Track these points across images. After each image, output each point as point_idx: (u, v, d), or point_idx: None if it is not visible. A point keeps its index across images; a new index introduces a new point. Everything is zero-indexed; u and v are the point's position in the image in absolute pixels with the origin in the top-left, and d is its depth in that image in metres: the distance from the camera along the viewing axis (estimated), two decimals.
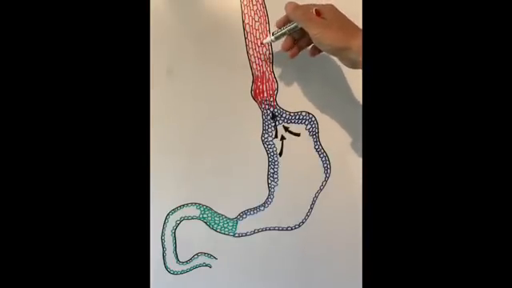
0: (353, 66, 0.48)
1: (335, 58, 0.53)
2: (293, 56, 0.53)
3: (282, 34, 0.52)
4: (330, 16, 0.47)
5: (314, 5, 0.48)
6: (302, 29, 0.49)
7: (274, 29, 0.53)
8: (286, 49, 0.52)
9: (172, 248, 0.61)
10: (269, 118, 0.60)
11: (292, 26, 0.50)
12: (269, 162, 0.61)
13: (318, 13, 0.47)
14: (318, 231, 0.64)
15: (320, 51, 0.53)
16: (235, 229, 0.62)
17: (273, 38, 0.53)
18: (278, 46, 0.57)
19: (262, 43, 0.57)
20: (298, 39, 0.52)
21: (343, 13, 0.49)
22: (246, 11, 0.56)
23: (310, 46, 0.53)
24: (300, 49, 0.53)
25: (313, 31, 0.47)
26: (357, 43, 0.45)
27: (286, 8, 0.49)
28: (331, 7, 0.48)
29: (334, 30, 0.46)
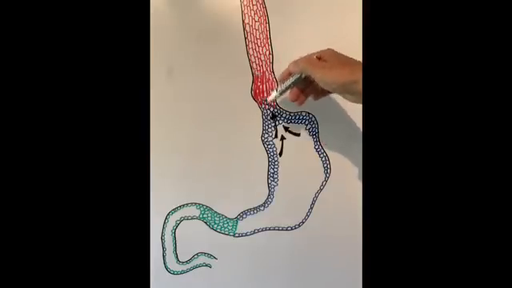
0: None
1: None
2: (301, 103, 0.55)
3: (287, 88, 0.53)
4: (331, 58, 0.49)
5: (314, 53, 0.50)
6: (305, 79, 0.51)
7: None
8: (294, 100, 0.54)
9: (172, 248, 0.61)
10: (269, 118, 0.60)
11: (295, 77, 0.52)
12: (269, 162, 0.61)
13: (319, 58, 0.50)
14: (318, 231, 0.64)
15: (327, 94, 0.55)
16: (235, 229, 0.62)
17: (277, 93, 0.54)
18: (279, 47, 0.57)
19: (266, 103, 0.58)
20: (303, 89, 0.54)
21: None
22: (246, 11, 0.56)
23: (316, 93, 0.55)
24: (306, 96, 0.55)
25: (317, 74, 0.49)
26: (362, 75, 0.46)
27: (289, 65, 0.52)
28: (330, 50, 0.50)
29: (338, 68, 0.48)
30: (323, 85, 0.49)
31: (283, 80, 0.54)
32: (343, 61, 0.49)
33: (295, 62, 0.51)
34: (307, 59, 0.51)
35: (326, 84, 0.49)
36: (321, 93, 0.55)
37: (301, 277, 0.66)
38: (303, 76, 0.51)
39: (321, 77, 0.48)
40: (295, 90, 0.54)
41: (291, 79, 0.53)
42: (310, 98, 0.57)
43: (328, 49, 0.51)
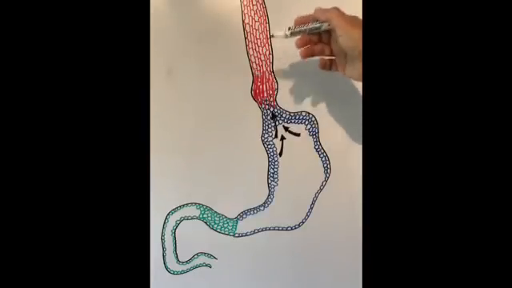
0: None
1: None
2: (305, 56, 0.51)
3: (301, 32, 0.50)
4: (358, 22, 0.46)
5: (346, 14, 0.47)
6: (321, 34, 0.49)
7: (277, 29, 0.52)
8: (301, 46, 0.51)
9: (172, 248, 0.61)
10: (269, 118, 0.60)
11: (316, 25, 0.49)
12: (269, 162, 0.61)
13: (349, 17, 0.47)
14: (318, 231, 0.64)
15: (330, 68, 0.53)
16: (235, 229, 0.62)
17: (288, 32, 0.50)
18: (278, 46, 0.57)
19: (272, 36, 0.55)
20: (312, 43, 0.51)
21: None
22: (246, 11, 0.56)
23: (323, 57, 0.52)
24: (313, 53, 0.52)
25: (342, 27, 0.45)
26: None
27: (315, 10, 0.49)
28: (358, 17, 0.47)
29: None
30: (346, 43, 0.46)
31: (300, 23, 0.50)
32: None
33: (323, 10, 0.48)
34: (337, 11, 0.47)
35: (349, 40, 0.45)
36: (324, 60, 0.52)
37: (301, 277, 0.66)
38: (324, 27, 0.48)
39: (346, 32, 0.45)
40: (305, 37, 0.50)
41: (310, 25, 0.49)
42: (310, 98, 0.57)
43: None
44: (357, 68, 0.48)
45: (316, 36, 0.51)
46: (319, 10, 0.49)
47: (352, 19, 0.47)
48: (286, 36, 0.51)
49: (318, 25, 0.49)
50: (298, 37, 0.51)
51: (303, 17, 0.50)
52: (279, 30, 0.52)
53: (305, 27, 0.49)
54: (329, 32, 0.50)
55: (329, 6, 0.48)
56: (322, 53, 0.51)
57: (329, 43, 0.51)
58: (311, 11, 0.51)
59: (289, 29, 0.51)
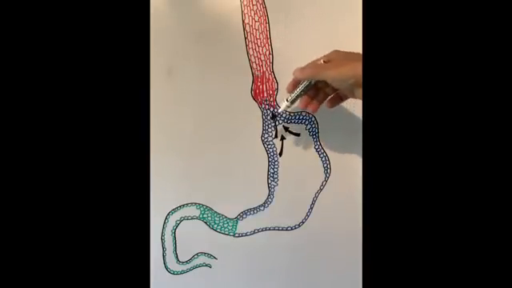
0: None
1: None
2: (314, 111, 0.53)
3: (297, 97, 0.52)
4: (338, 57, 0.48)
5: (319, 58, 0.49)
6: (314, 85, 0.51)
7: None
8: (305, 107, 0.53)
9: (172, 248, 0.61)
10: (269, 118, 0.60)
11: (305, 84, 0.51)
12: (269, 162, 0.61)
13: (326, 61, 0.48)
14: (318, 231, 0.64)
15: (339, 101, 0.54)
16: (235, 229, 0.62)
17: (288, 103, 0.53)
18: (280, 46, 0.57)
19: (276, 113, 0.58)
20: (313, 97, 0.53)
21: None
22: (246, 11, 0.56)
23: (328, 99, 0.54)
24: (319, 103, 0.53)
25: (330, 75, 0.47)
26: None
27: (294, 73, 0.50)
28: (335, 51, 0.49)
29: (349, 63, 0.45)
30: (338, 84, 0.47)
31: (292, 90, 0.53)
32: (352, 57, 0.47)
33: (301, 70, 0.50)
34: (314, 64, 0.49)
35: (341, 81, 0.46)
36: (334, 98, 0.53)
37: (301, 277, 0.66)
38: (313, 82, 0.50)
39: (334, 75, 0.46)
40: (306, 97, 0.53)
41: (300, 87, 0.51)
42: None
43: (333, 50, 0.49)
44: (361, 91, 0.48)
45: (312, 89, 0.52)
46: (297, 72, 0.50)
47: (329, 61, 0.47)
48: (288, 107, 0.53)
49: (306, 83, 0.51)
50: (298, 101, 0.53)
51: (290, 83, 0.53)
52: (280, 105, 0.54)
53: (298, 91, 0.52)
54: (322, 81, 0.50)
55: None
56: (326, 97, 0.53)
57: (327, 85, 0.51)
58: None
59: (287, 100, 0.53)
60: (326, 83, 0.50)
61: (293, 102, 0.53)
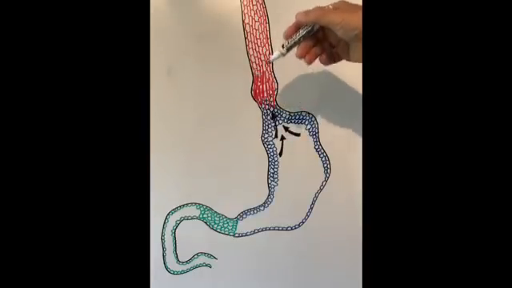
0: None
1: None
2: (310, 62, 0.50)
3: (295, 43, 0.49)
4: (347, 6, 0.46)
5: (326, 5, 0.46)
6: (315, 34, 0.48)
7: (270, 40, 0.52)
8: (302, 55, 0.50)
9: (172, 248, 0.61)
10: (269, 118, 0.60)
11: (306, 29, 0.48)
12: (269, 162, 0.61)
13: (334, 8, 0.45)
14: (318, 231, 0.64)
15: (333, 61, 0.51)
16: (235, 229, 0.62)
17: (284, 50, 0.50)
18: (279, 47, 0.57)
19: (269, 61, 0.56)
20: (312, 47, 0.50)
21: None
22: (246, 11, 0.56)
23: (325, 54, 0.51)
24: (316, 55, 0.50)
25: (336, 20, 0.44)
26: None
27: (297, 16, 0.48)
28: (344, 1, 0.46)
29: (358, 13, 0.43)
30: (342, 32, 0.45)
31: (290, 35, 0.49)
32: (360, 8, 0.44)
33: (305, 13, 0.47)
34: (320, 8, 0.46)
35: (345, 29, 0.44)
36: (328, 55, 0.51)
37: (301, 277, 0.66)
38: (316, 28, 0.47)
39: (339, 21, 0.44)
40: (304, 44, 0.49)
41: (301, 32, 0.48)
42: (310, 98, 0.56)
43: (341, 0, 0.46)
44: (359, 50, 0.46)
45: (311, 39, 0.49)
46: (301, 14, 0.47)
47: (337, 8, 0.46)
48: (283, 54, 0.50)
49: (309, 28, 0.48)
50: (295, 49, 0.50)
51: (290, 28, 0.49)
52: (274, 51, 0.52)
53: (297, 36, 0.48)
54: (321, 28, 0.48)
55: (323, 4, 0.47)
56: (323, 51, 0.50)
57: (325, 38, 0.50)
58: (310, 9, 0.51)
59: (283, 46, 0.50)
60: (325, 35, 0.49)
61: (289, 48, 0.50)
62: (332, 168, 0.63)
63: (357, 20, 0.43)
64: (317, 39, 0.50)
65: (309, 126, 0.61)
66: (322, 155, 0.62)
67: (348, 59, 0.50)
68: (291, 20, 0.53)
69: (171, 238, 0.61)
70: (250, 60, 0.57)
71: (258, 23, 0.56)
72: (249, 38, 0.56)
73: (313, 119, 0.61)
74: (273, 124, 0.60)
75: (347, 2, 0.47)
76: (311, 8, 0.47)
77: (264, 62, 0.58)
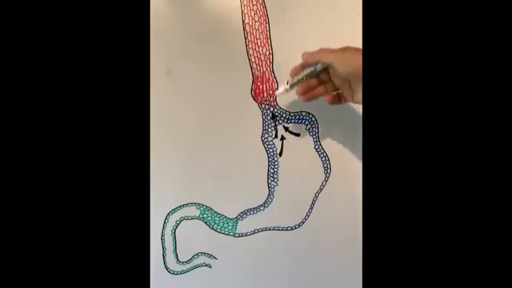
0: None
1: None
2: (305, 99, 0.52)
3: (298, 81, 0.51)
4: (348, 48, 0.48)
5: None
6: (318, 75, 0.50)
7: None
8: (302, 93, 0.52)
9: (172, 248, 0.61)
10: (269, 118, 0.60)
11: (310, 69, 0.50)
12: (269, 161, 0.61)
13: (339, 49, 0.48)
14: (318, 231, 0.64)
15: (338, 101, 0.53)
16: (235, 229, 0.62)
17: (287, 86, 0.52)
18: (280, 46, 0.57)
19: (274, 96, 0.58)
20: (314, 87, 0.52)
21: None
22: (246, 11, 0.56)
23: (329, 95, 0.53)
24: (315, 95, 0.52)
25: (334, 57, 0.47)
26: None
27: (303, 55, 0.50)
28: (348, 46, 0.48)
29: (358, 54, 0.45)
30: (346, 71, 0.47)
31: (295, 73, 0.52)
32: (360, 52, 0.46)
33: (311, 53, 0.50)
34: (324, 49, 0.49)
35: (343, 65, 0.46)
36: (333, 96, 0.53)
37: (301, 277, 0.66)
38: (319, 68, 0.49)
39: (337, 58, 0.47)
40: (307, 83, 0.51)
41: (306, 71, 0.50)
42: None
43: (346, 46, 0.49)
44: (361, 92, 0.48)
45: (315, 79, 0.51)
46: (306, 54, 0.50)
47: (341, 49, 0.48)
48: (287, 90, 0.52)
49: (312, 68, 0.50)
50: (296, 88, 0.52)
51: (296, 67, 0.52)
52: (280, 86, 0.53)
53: (302, 75, 0.51)
54: (325, 70, 0.50)
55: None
56: (325, 93, 0.52)
57: (329, 80, 0.52)
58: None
59: (287, 83, 0.52)
60: (329, 78, 0.51)
61: (292, 86, 0.52)
62: (332, 168, 0.63)
63: (354, 59, 0.46)
64: (320, 81, 0.52)
65: (309, 126, 0.61)
66: (321, 155, 0.62)
67: (353, 101, 0.51)
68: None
69: (171, 238, 0.61)
70: (249, 60, 0.57)
71: (257, 23, 0.56)
72: (249, 37, 0.56)
73: (313, 119, 0.61)
74: (273, 124, 0.60)
75: (351, 47, 0.48)
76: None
77: (264, 62, 0.58)
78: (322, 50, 0.49)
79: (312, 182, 0.63)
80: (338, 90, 0.53)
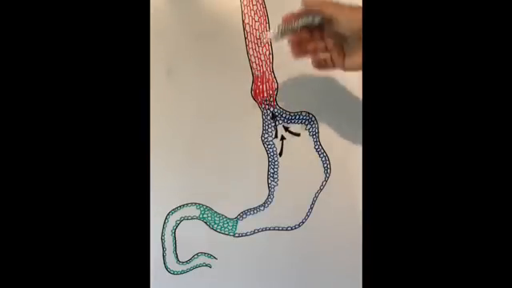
0: None
1: None
2: (297, 54, 0.48)
3: (290, 30, 0.46)
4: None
5: None
6: (311, 32, 0.46)
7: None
8: (297, 43, 0.48)
9: (172, 248, 0.61)
10: (269, 118, 0.60)
11: (305, 21, 0.45)
12: (269, 161, 0.61)
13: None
14: (318, 231, 0.64)
15: (325, 66, 0.49)
16: (235, 229, 0.62)
17: (278, 34, 0.46)
18: (279, 47, 0.57)
19: (262, 40, 0.55)
20: (306, 41, 0.48)
21: None
22: (246, 11, 0.56)
23: (318, 55, 0.49)
24: (306, 51, 0.48)
25: (343, 11, 0.43)
26: None
27: (306, 1, 0.45)
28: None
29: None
30: (348, 28, 0.43)
31: (288, 22, 0.46)
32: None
33: (313, 0, 0.45)
34: (328, 1, 0.44)
35: (352, 25, 0.42)
36: (322, 58, 0.48)
37: (301, 277, 0.66)
38: (317, 20, 0.45)
39: (347, 16, 0.42)
40: (299, 35, 0.47)
41: (301, 21, 0.45)
42: (310, 98, 0.56)
43: None
44: (356, 58, 0.45)
45: (307, 33, 0.47)
46: (305, 1, 0.45)
47: (347, 5, 0.44)
48: (275, 36, 0.47)
49: (310, 19, 0.45)
50: (287, 36, 0.47)
51: (289, 14, 0.46)
52: (270, 30, 0.50)
53: (296, 25, 0.46)
54: (321, 27, 0.46)
55: None
56: (315, 50, 0.48)
57: (322, 39, 0.48)
58: None
59: (278, 29, 0.46)
60: (322, 36, 0.47)
61: (283, 34, 0.46)
62: (332, 168, 0.63)
63: (359, 19, 0.41)
64: (312, 36, 0.48)
65: (309, 126, 0.61)
66: (321, 155, 0.62)
67: (342, 68, 0.48)
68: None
69: (171, 238, 0.61)
70: (249, 60, 0.57)
71: (257, 23, 0.56)
72: (249, 38, 0.56)
73: (313, 119, 0.61)
74: (273, 124, 0.60)
75: (356, 4, 0.44)
76: None
77: (264, 62, 0.58)
78: (325, 1, 0.44)
79: (312, 182, 0.63)
80: (327, 52, 0.48)
